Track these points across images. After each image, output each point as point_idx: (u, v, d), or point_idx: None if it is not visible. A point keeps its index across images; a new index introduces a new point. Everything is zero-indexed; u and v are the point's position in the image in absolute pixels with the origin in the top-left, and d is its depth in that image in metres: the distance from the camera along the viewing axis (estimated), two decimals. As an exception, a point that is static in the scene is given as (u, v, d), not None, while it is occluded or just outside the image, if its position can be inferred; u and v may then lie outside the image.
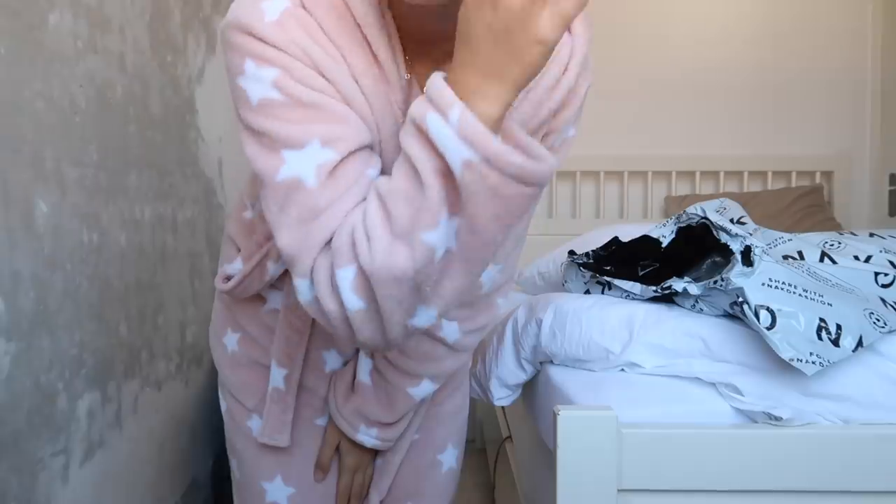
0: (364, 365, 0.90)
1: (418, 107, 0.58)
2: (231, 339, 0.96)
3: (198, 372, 1.70)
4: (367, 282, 0.62)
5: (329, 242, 0.65)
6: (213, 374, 1.79)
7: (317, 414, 0.94)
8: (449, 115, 0.56)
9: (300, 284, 0.66)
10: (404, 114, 0.72)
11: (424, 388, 0.89)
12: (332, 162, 0.64)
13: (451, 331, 0.87)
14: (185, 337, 1.59)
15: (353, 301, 0.63)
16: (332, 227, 0.64)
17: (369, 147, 0.71)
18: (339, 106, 0.67)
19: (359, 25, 0.70)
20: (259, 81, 0.64)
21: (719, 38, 2.71)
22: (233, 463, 0.99)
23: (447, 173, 0.57)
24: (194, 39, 1.64)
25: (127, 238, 1.26)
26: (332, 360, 0.93)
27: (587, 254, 1.33)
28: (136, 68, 1.31)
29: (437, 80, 0.58)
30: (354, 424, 0.90)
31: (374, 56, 0.71)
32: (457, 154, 0.56)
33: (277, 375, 0.90)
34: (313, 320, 0.90)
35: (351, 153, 0.66)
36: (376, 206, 0.62)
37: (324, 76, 0.67)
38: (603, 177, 2.67)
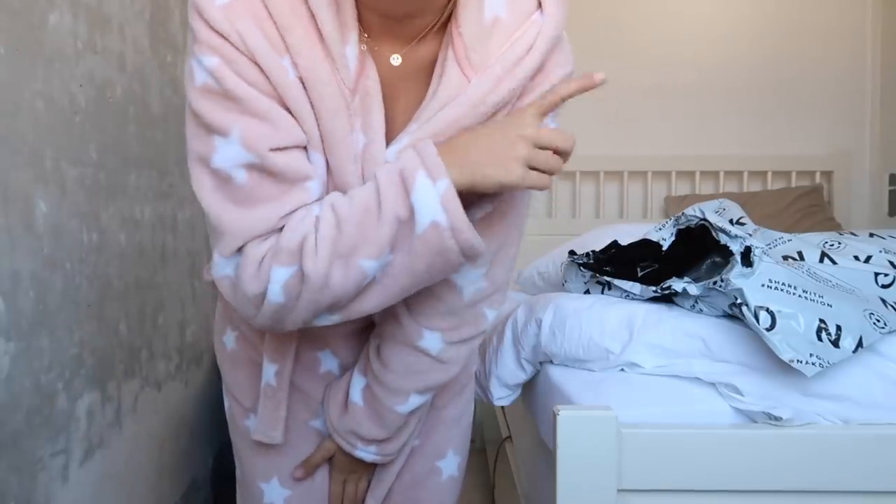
0: (357, 384, 0.89)
1: (410, 161, 0.69)
2: (230, 338, 0.96)
3: (197, 372, 1.69)
4: (298, 285, 0.70)
5: (264, 235, 0.71)
6: (212, 373, 1.79)
7: (311, 416, 0.93)
8: (437, 182, 0.68)
9: (219, 260, 0.73)
10: (353, 91, 0.73)
11: (412, 402, 0.87)
12: (255, 162, 0.70)
13: (433, 341, 0.85)
14: (184, 336, 1.59)
15: (278, 296, 0.71)
16: (268, 221, 0.71)
17: (299, 147, 0.73)
18: (267, 103, 0.70)
19: (306, 0, 0.70)
20: (202, 67, 0.69)
21: (719, 38, 2.70)
22: (237, 462, 0.99)
23: (405, 221, 0.68)
24: (194, 39, 1.64)
25: (127, 238, 1.26)
26: (326, 361, 0.93)
27: (587, 254, 1.33)
28: (136, 68, 1.31)
29: (429, 147, 0.70)
30: (351, 442, 0.89)
31: (320, 32, 0.71)
32: (429, 215, 0.67)
33: (269, 371, 0.90)
34: None
35: (275, 150, 0.70)
36: (332, 224, 0.70)
37: (259, 66, 0.70)
38: (603, 177, 2.67)
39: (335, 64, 0.72)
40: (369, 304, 0.74)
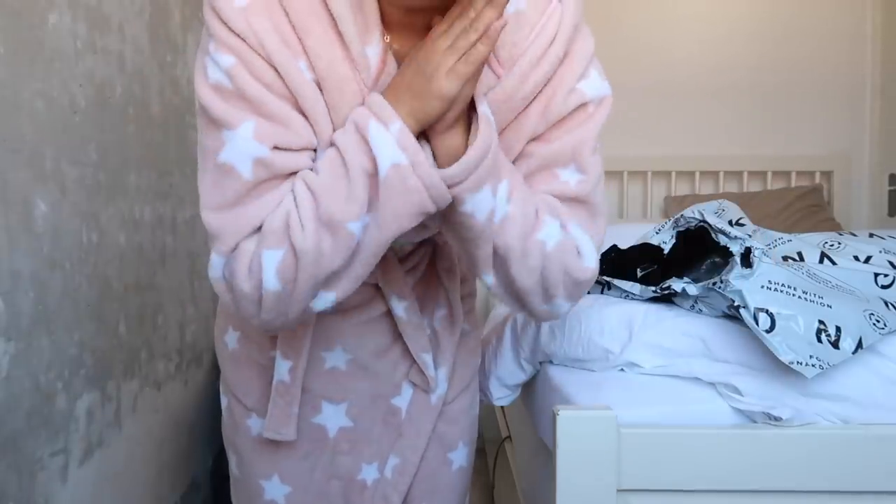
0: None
1: (361, 115, 0.69)
2: (231, 338, 0.97)
3: (197, 372, 1.70)
4: (292, 265, 0.69)
5: (257, 229, 0.71)
6: (212, 374, 1.79)
7: (314, 413, 0.94)
8: (390, 126, 0.68)
9: (216, 260, 0.72)
10: (372, 90, 0.73)
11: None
12: (265, 157, 0.69)
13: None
14: (184, 337, 1.59)
15: (273, 283, 0.70)
16: (261, 216, 0.71)
17: (308, 150, 0.72)
18: (280, 105, 0.70)
19: (325, 2, 0.70)
20: (216, 65, 0.69)
21: (719, 38, 2.70)
22: (232, 460, 0.99)
23: (372, 173, 0.68)
24: (194, 39, 1.64)
25: (126, 238, 1.26)
26: (331, 358, 0.93)
27: (587, 254, 1.32)
28: (136, 68, 1.31)
29: (377, 97, 0.70)
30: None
31: (339, 34, 0.71)
32: (389, 158, 0.67)
33: (283, 368, 0.90)
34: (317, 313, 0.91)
35: (281, 149, 0.70)
36: (307, 196, 0.69)
37: (275, 68, 0.70)
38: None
39: (355, 64, 0.71)
40: (360, 267, 0.73)
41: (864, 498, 0.92)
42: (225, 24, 0.68)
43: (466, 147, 0.70)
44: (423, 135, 0.71)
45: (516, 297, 0.80)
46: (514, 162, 0.79)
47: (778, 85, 2.70)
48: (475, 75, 0.68)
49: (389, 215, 0.69)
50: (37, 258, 0.98)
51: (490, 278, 0.79)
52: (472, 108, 0.73)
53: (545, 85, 0.77)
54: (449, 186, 0.69)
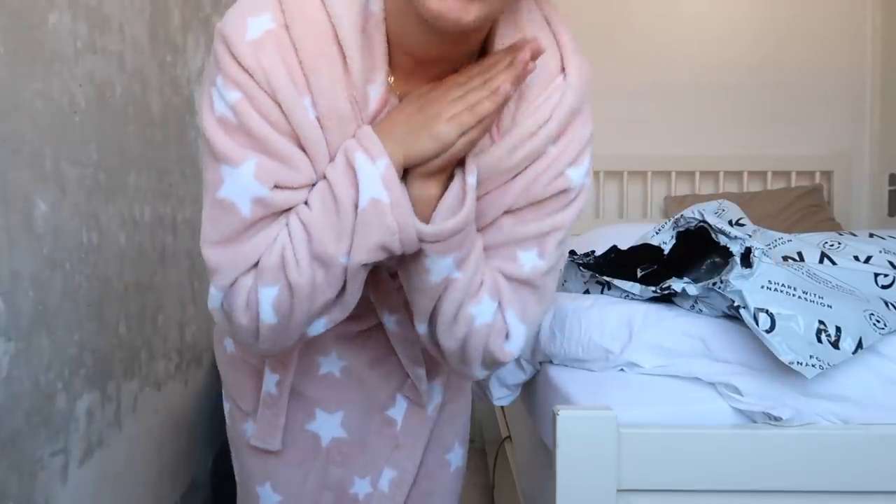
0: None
1: (350, 146, 0.70)
2: (230, 341, 0.97)
3: (197, 372, 1.70)
4: (287, 299, 0.70)
5: (255, 265, 0.72)
6: (212, 374, 1.79)
7: (308, 420, 0.94)
8: (377, 161, 0.68)
9: (214, 293, 0.73)
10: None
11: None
12: (264, 196, 0.70)
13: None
14: (184, 337, 1.59)
15: (269, 316, 0.71)
16: (259, 251, 0.71)
17: (307, 187, 0.72)
18: (284, 143, 0.70)
19: (339, 41, 0.69)
20: (222, 99, 0.69)
21: (719, 38, 2.70)
22: (235, 463, 1.00)
23: (357, 206, 0.69)
24: (194, 39, 1.64)
25: (126, 238, 1.26)
26: (326, 364, 0.93)
27: (587, 254, 1.33)
28: (136, 68, 1.31)
29: (368, 129, 0.70)
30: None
31: (346, 72, 0.70)
32: (370, 192, 0.67)
33: (270, 380, 0.91)
34: None
35: (281, 188, 0.70)
36: (301, 231, 0.70)
37: (280, 106, 0.69)
38: (602, 177, 2.67)
39: (357, 104, 0.71)
40: (351, 295, 0.73)
41: (864, 498, 0.92)
42: (235, 58, 0.67)
43: (438, 201, 0.71)
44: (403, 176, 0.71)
45: (437, 351, 0.81)
46: (482, 229, 0.78)
47: (778, 85, 2.70)
48: (476, 133, 0.68)
49: (358, 245, 0.69)
50: (37, 258, 0.98)
51: (423, 328, 0.79)
52: (458, 166, 0.72)
53: (533, 161, 0.75)
54: (419, 240, 0.70)
